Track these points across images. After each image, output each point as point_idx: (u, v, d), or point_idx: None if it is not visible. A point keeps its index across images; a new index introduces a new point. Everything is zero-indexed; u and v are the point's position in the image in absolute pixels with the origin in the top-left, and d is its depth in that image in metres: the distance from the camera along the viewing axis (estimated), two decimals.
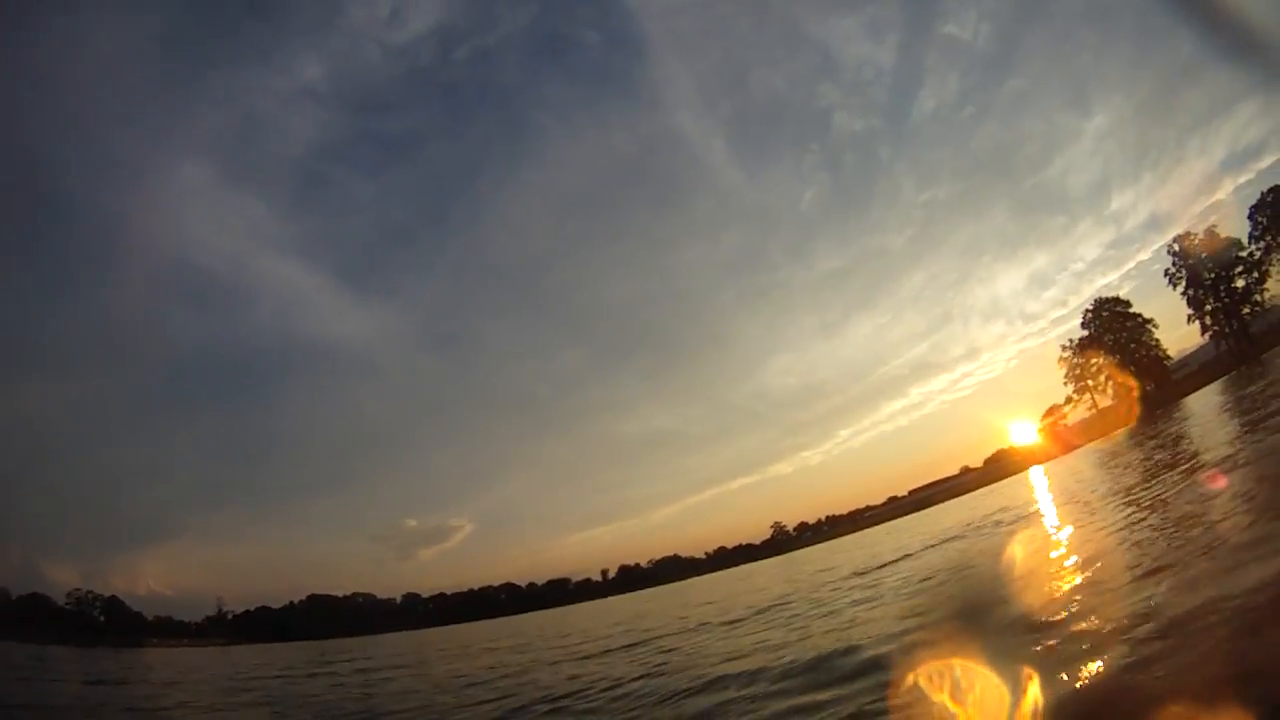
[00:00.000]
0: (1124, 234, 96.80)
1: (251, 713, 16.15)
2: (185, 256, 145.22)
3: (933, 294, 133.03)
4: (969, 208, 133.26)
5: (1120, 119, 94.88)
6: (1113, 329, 67.31)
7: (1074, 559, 10.76)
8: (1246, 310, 59.27)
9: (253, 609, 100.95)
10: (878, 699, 6.51)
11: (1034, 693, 5.09)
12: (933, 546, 23.47)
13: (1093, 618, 6.64)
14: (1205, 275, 60.54)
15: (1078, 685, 5.03)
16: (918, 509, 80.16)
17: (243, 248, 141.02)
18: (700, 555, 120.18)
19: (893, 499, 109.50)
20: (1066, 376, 70.39)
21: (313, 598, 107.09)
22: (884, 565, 22.04)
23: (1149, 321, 66.66)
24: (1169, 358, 66.91)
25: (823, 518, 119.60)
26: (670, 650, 15.24)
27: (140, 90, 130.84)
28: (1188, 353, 66.78)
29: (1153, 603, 6.27)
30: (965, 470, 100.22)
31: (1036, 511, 22.38)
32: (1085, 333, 69.42)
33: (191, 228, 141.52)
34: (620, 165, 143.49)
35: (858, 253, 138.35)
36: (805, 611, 15.82)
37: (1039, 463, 64.18)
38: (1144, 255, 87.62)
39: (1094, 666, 5.34)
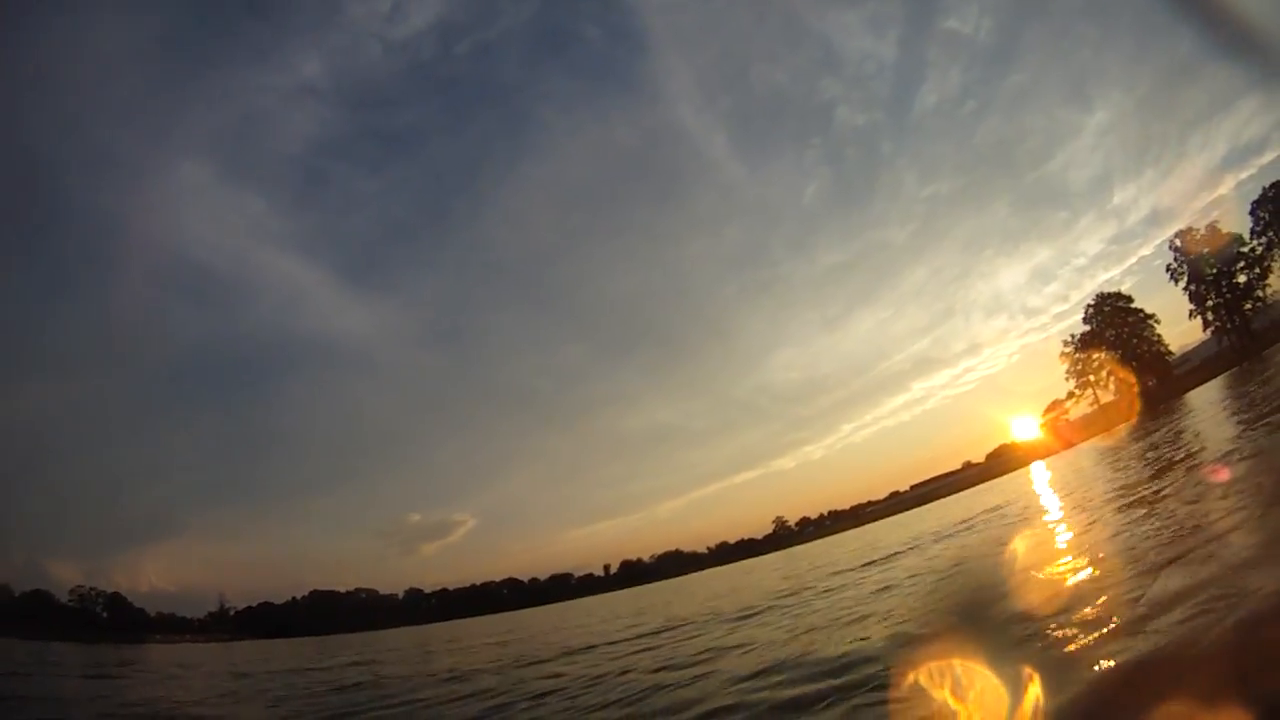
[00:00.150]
0: (1126, 229, 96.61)
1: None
2: (185, 254, 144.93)
3: (935, 289, 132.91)
4: (971, 202, 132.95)
5: (1122, 114, 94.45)
6: (1114, 324, 67.29)
7: (1075, 554, 10.78)
8: (1248, 306, 59.23)
9: (255, 605, 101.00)
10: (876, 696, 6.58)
11: (1033, 690, 5.15)
12: (939, 540, 23.58)
13: (1093, 613, 6.65)
14: (1207, 271, 60.48)
15: (1077, 683, 5.06)
16: (919, 504, 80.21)
17: (243, 245, 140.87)
18: (702, 550, 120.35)
19: (895, 494, 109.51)
20: (1068, 372, 70.43)
21: (315, 593, 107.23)
22: (884, 558, 22.15)
23: (1151, 317, 66.69)
24: (1171, 353, 66.93)
25: (825, 512, 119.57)
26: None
27: (139, 88, 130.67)
28: (1189, 348, 66.82)
29: (1153, 599, 6.30)
30: (967, 465, 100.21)
31: (1039, 507, 22.46)
32: (1087, 328, 69.44)
33: (191, 225, 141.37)
34: (622, 160, 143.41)
35: (860, 247, 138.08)
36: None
37: (1041, 458, 64.25)
38: (1146, 250, 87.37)
39: (1094, 665, 5.40)
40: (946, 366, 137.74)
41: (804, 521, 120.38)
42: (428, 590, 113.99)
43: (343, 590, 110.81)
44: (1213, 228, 60.35)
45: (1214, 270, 60.08)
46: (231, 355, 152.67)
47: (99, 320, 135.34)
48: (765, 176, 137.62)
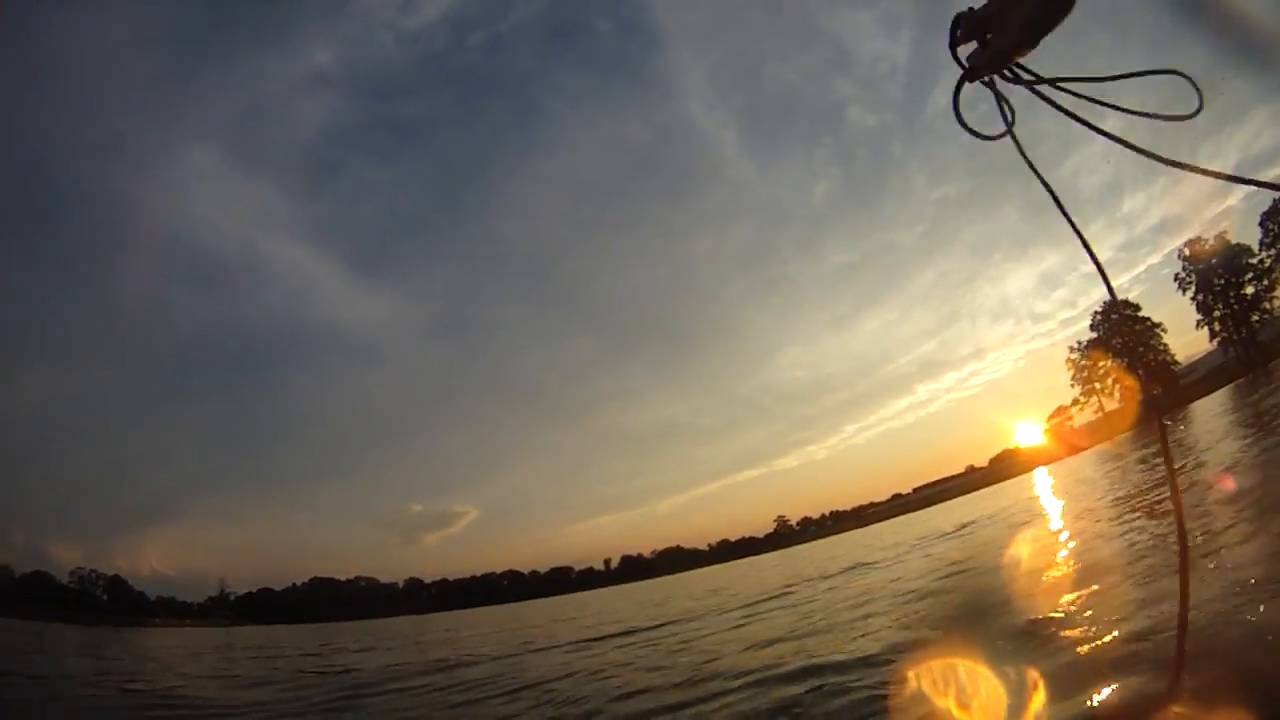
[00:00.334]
0: (1135, 237, 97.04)
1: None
2: (193, 240, 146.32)
3: (942, 292, 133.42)
4: (980, 206, 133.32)
5: (1133, 122, 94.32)
6: (1121, 332, 67.33)
7: (1078, 561, 10.94)
8: (1255, 317, 59.36)
9: (255, 591, 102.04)
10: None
11: (1032, 693, 5.30)
12: (944, 537, 23.76)
13: (1094, 620, 6.77)
14: (1215, 281, 60.62)
15: (1076, 687, 5.20)
16: (922, 507, 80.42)
17: (252, 232, 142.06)
18: (703, 547, 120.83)
19: (897, 496, 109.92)
20: (1074, 378, 70.72)
21: (315, 581, 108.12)
22: (882, 561, 22.35)
23: (1158, 326, 66.86)
24: (1177, 363, 67.08)
25: (826, 513, 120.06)
26: None
27: (150, 74, 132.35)
28: (1196, 358, 66.97)
29: (1155, 606, 6.47)
30: (971, 469, 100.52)
31: (1042, 512, 22.65)
32: (1094, 335, 69.67)
33: (200, 211, 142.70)
34: (632, 155, 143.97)
35: (868, 248, 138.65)
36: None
37: (1044, 464, 64.43)
38: (1154, 259, 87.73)
39: (1093, 669, 5.46)
40: (952, 370, 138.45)
41: (806, 521, 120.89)
42: (428, 580, 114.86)
43: (343, 578, 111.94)
44: (1222, 238, 60.53)
45: (1222, 280, 60.19)
46: (238, 342, 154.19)
47: (106, 305, 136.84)
48: (775, 175, 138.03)
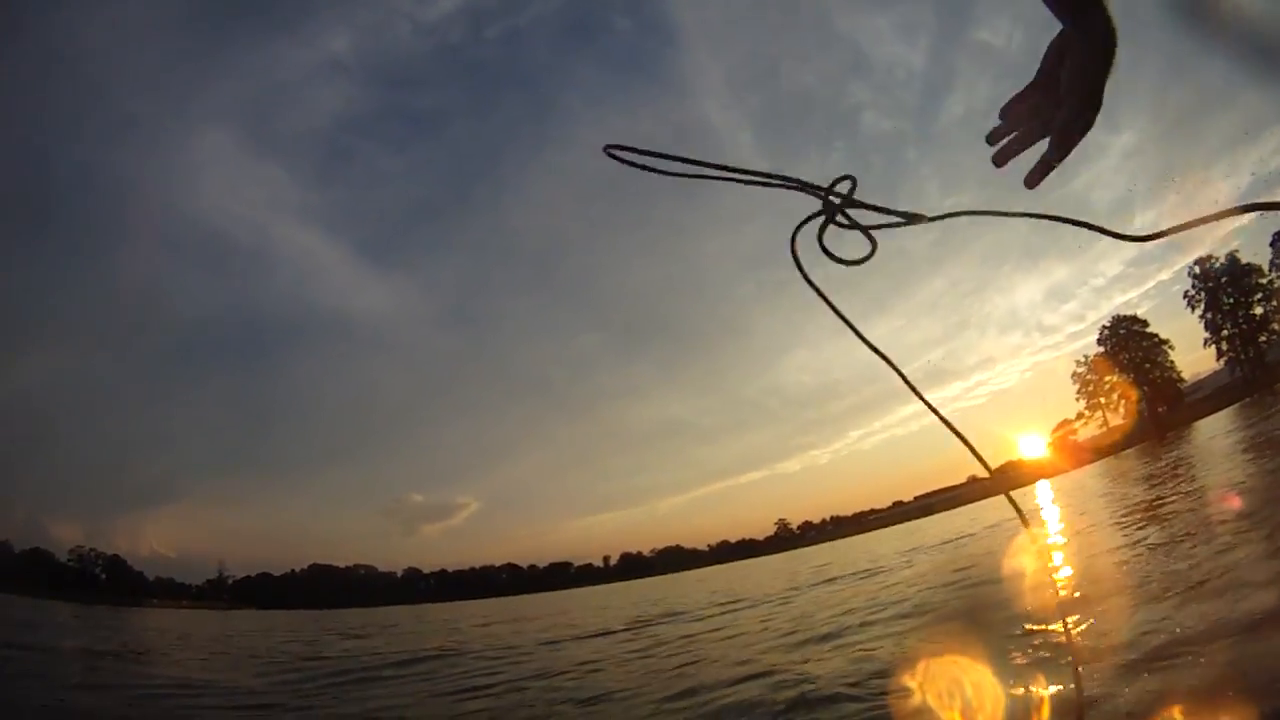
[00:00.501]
0: (1145, 252, 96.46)
1: None
2: (204, 223, 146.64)
3: (951, 300, 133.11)
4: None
5: (1148, 137, 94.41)
6: (1129, 348, 67.20)
7: (1078, 572, 11.01)
8: (1263, 338, 59.14)
9: (254, 575, 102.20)
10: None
11: (1032, 698, 5.35)
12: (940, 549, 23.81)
13: (1093, 629, 6.86)
14: (1224, 300, 60.41)
15: (1076, 691, 5.22)
16: (922, 515, 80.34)
17: (263, 216, 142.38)
18: (703, 548, 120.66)
19: (898, 503, 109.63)
20: (1079, 392, 70.42)
21: (314, 567, 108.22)
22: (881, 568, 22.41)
23: (1165, 342, 66.63)
24: (1183, 380, 66.86)
25: (827, 518, 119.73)
26: None
27: (167, 58, 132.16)
28: (1202, 376, 66.68)
29: (1156, 617, 6.52)
30: (973, 479, 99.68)
31: (1043, 524, 22.67)
32: (1101, 349, 69.40)
33: (211, 193, 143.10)
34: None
35: (879, 253, 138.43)
36: None
37: (1047, 476, 64.20)
38: (1164, 275, 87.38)
39: (1093, 673, 5.50)
40: (958, 379, 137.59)
41: (806, 525, 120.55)
42: (426, 571, 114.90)
43: (342, 565, 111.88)
44: (1232, 257, 60.29)
45: (1231, 300, 59.97)
46: (245, 326, 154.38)
47: (113, 285, 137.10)
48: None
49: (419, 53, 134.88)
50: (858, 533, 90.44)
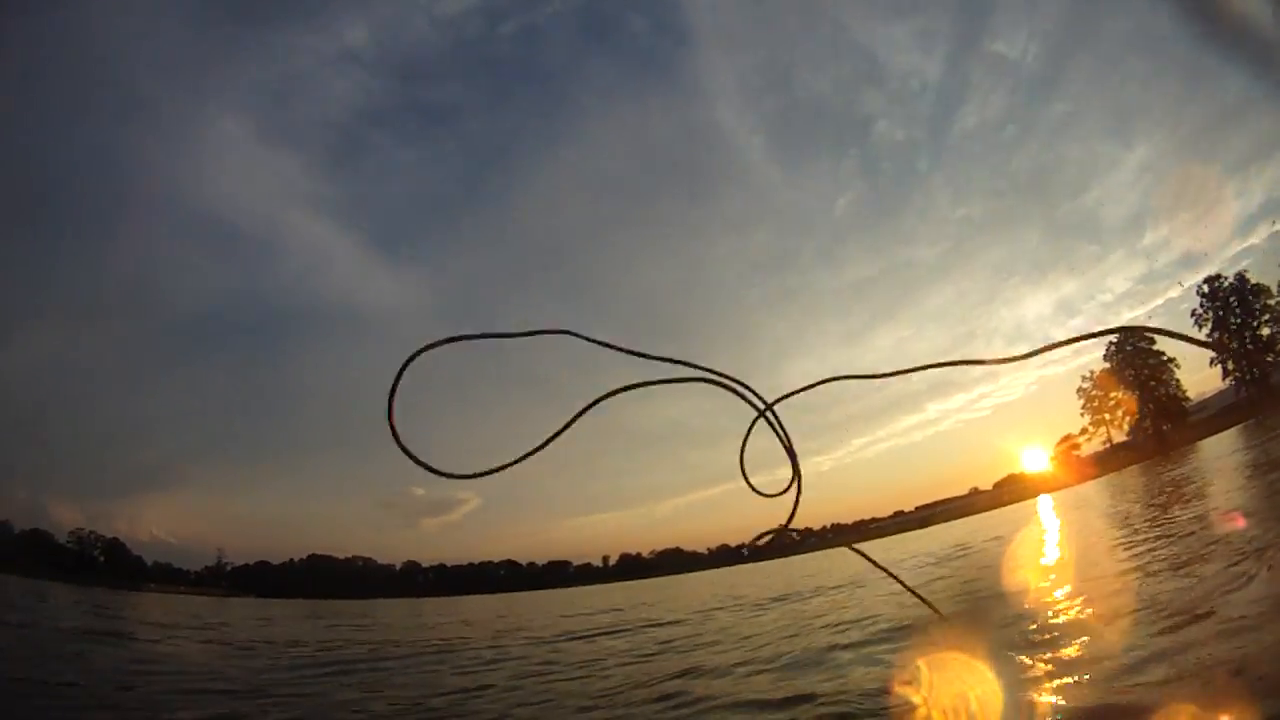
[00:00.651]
0: (1155, 269, 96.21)
1: None
2: (215, 209, 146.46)
3: (958, 311, 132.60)
4: (1002, 228, 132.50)
5: (1162, 153, 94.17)
6: (1135, 364, 67.15)
7: (1077, 585, 10.99)
8: (1270, 358, 59.03)
9: (252, 563, 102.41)
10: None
11: (1030, 700, 5.36)
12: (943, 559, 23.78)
13: (1092, 638, 6.90)
14: (1232, 320, 60.35)
15: (1075, 695, 5.25)
16: (923, 525, 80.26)
17: (274, 204, 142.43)
18: (702, 550, 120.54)
19: (899, 513, 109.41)
20: (1084, 407, 70.39)
21: (313, 557, 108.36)
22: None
23: (1171, 360, 66.58)
24: (1188, 399, 66.77)
25: (828, 525, 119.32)
26: None
27: (183, 44, 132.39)
28: (1207, 396, 66.67)
29: (1155, 628, 6.54)
30: (974, 491, 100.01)
31: (1042, 539, 22.66)
32: (1107, 365, 69.33)
33: (223, 180, 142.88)
34: (657, 152, 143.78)
35: (887, 263, 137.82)
36: None
37: (1049, 491, 64.15)
38: (1173, 293, 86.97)
39: (1094, 677, 5.57)
40: (963, 391, 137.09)
41: (806, 532, 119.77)
42: (425, 564, 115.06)
43: (341, 556, 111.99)
44: (1241, 277, 60.28)
45: (1239, 320, 59.92)
46: (251, 313, 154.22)
47: (120, 268, 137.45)
48: (799, 183, 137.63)
49: (434, 46, 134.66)
50: (858, 540, 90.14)
